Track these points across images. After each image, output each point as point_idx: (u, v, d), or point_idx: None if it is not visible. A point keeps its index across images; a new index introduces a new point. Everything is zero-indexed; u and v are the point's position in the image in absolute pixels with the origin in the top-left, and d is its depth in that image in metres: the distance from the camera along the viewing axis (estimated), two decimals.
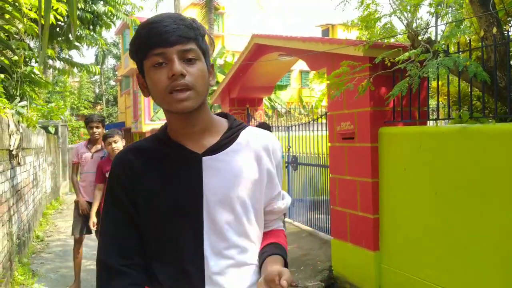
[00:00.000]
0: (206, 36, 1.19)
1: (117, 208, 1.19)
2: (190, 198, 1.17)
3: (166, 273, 1.17)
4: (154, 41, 1.08)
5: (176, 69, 1.06)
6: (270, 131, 4.60)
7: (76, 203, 4.56)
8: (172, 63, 1.07)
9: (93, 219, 4.23)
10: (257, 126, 5.00)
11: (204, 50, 1.15)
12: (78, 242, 4.51)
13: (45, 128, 10.34)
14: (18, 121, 5.32)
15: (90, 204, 4.47)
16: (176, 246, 1.17)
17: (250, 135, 1.25)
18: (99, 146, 4.61)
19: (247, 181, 1.20)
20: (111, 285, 1.14)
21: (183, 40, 1.08)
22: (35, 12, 4.63)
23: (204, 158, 1.17)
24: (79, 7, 7.84)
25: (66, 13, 5.78)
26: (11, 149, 4.81)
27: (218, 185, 1.17)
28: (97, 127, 4.53)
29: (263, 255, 1.23)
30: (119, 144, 4.12)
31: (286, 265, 1.24)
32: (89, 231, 4.49)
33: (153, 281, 1.18)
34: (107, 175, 4.14)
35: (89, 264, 5.30)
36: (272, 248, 1.26)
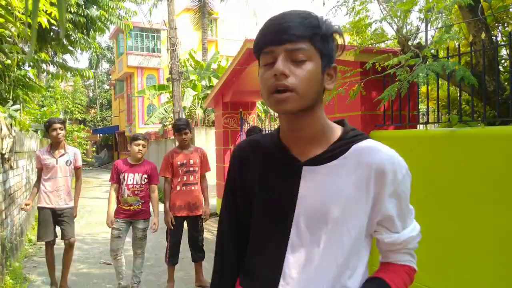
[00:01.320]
0: (336, 35, 1.10)
1: (229, 195, 1.28)
2: (282, 206, 1.11)
3: (247, 273, 1.19)
4: (266, 39, 1.04)
5: (278, 68, 1.00)
6: None
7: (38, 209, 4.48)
8: (276, 62, 1.02)
9: (111, 218, 4.25)
10: (248, 130, 4.99)
11: (323, 50, 1.05)
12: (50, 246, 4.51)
13: (38, 132, 10.29)
14: (11, 125, 5.31)
15: (53, 209, 4.42)
16: (261, 251, 1.15)
17: (363, 151, 1.09)
18: (62, 151, 4.48)
19: (345, 201, 1.07)
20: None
21: (293, 39, 1.01)
22: (29, 16, 4.63)
23: (305, 168, 1.10)
24: (72, 11, 7.85)
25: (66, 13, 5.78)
26: (3, 152, 4.80)
27: (313, 199, 1.08)
28: (60, 129, 4.41)
29: None
30: (144, 149, 4.30)
31: None
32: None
33: (244, 276, 1.22)
34: (121, 176, 4.23)
35: (82, 268, 5.29)
36: (370, 283, 1.11)
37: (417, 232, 1.18)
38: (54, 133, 4.37)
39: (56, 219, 4.46)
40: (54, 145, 4.47)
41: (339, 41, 1.12)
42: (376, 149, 1.10)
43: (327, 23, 1.06)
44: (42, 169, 4.46)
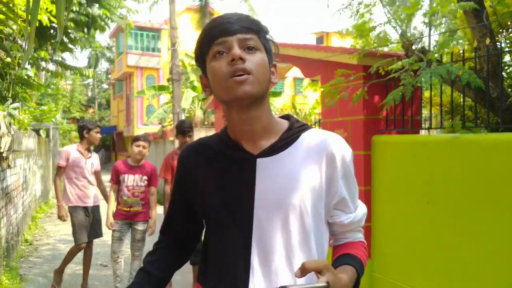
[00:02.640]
0: (270, 40, 1.16)
1: (175, 190, 1.31)
2: (240, 201, 1.12)
3: (212, 276, 1.18)
4: (216, 32, 1.08)
5: (235, 53, 1.04)
6: None
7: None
8: (232, 49, 1.06)
9: (110, 219, 4.24)
10: None
11: (266, 47, 1.13)
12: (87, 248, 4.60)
13: (37, 131, 10.25)
14: (10, 123, 5.27)
15: (91, 208, 4.54)
16: (225, 250, 1.15)
17: (312, 138, 1.16)
18: (89, 153, 4.67)
19: (303, 187, 1.10)
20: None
21: (244, 30, 1.07)
22: (29, 13, 4.60)
23: (259, 160, 1.12)
24: (74, 9, 7.82)
25: (67, 13, 5.75)
26: (1, 151, 4.76)
27: (271, 189, 1.10)
28: (99, 132, 4.62)
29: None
30: (145, 151, 4.29)
31: (358, 278, 1.11)
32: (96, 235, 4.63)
33: (205, 279, 1.22)
34: (120, 178, 4.21)
35: (79, 269, 5.24)
36: (343, 258, 1.14)
37: (366, 210, 1.26)
38: (97, 136, 4.56)
39: (90, 219, 4.58)
40: (87, 147, 4.60)
41: (272, 47, 1.18)
42: (324, 136, 1.16)
43: (265, 26, 1.14)
44: (64, 167, 4.50)
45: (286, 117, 1.23)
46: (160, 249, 1.32)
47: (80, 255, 4.66)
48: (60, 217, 4.55)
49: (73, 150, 4.52)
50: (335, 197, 1.14)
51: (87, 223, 4.54)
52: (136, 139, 4.32)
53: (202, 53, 1.13)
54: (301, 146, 1.14)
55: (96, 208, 4.66)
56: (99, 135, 4.59)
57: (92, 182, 4.62)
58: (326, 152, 1.13)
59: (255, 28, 1.10)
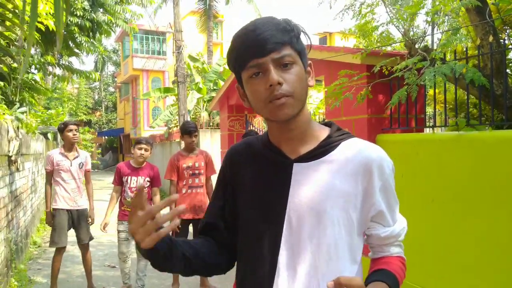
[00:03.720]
0: (302, 34, 1.14)
1: (220, 186, 1.30)
2: (274, 203, 1.14)
3: (240, 272, 1.21)
4: (249, 53, 1.06)
5: (272, 79, 1.03)
6: None
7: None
8: (268, 72, 1.04)
9: (107, 220, 4.29)
10: (244, 134, 4.95)
11: (300, 51, 1.10)
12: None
13: (44, 134, 10.35)
14: (18, 127, 5.33)
15: (71, 212, 4.46)
16: (254, 248, 1.16)
17: (351, 147, 1.15)
18: (75, 153, 4.55)
19: (336, 195, 1.10)
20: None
21: (277, 47, 1.04)
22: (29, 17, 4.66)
23: (295, 165, 1.14)
24: (78, 14, 7.90)
25: (65, 20, 5.81)
26: (10, 154, 4.82)
27: (304, 194, 1.11)
28: (76, 130, 4.48)
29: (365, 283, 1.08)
30: (147, 153, 4.31)
31: None
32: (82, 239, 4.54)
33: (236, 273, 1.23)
34: (123, 179, 4.26)
35: (77, 270, 5.27)
36: (377, 274, 1.12)
37: (405, 224, 1.23)
38: (70, 134, 4.44)
39: (71, 222, 4.51)
40: (68, 147, 4.52)
41: (306, 39, 1.17)
42: (364, 146, 1.15)
43: (294, 24, 1.11)
44: (52, 172, 4.47)
45: (329, 124, 1.24)
46: (203, 239, 1.26)
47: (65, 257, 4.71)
48: (47, 223, 4.56)
49: (56, 154, 4.48)
50: (372, 209, 1.13)
51: (69, 227, 4.49)
52: (138, 141, 4.36)
53: (236, 68, 1.12)
54: (339, 154, 1.13)
55: (82, 212, 4.57)
56: (72, 133, 4.44)
57: (79, 182, 4.55)
58: (364, 163, 1.12)
59: (287, 39, 1.06)
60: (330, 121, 1.25)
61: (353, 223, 1.12)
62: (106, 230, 4.31)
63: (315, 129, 1.18)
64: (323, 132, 1.18)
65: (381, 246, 1.19)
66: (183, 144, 4.62)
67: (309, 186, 1.11)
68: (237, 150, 1.29)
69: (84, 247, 4.59)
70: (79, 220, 4.53)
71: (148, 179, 4.32)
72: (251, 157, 1.23)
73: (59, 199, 4.44)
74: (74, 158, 4.51)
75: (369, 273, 1.16)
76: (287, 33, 1.06)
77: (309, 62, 1.15)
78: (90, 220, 4.62)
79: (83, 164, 4.60)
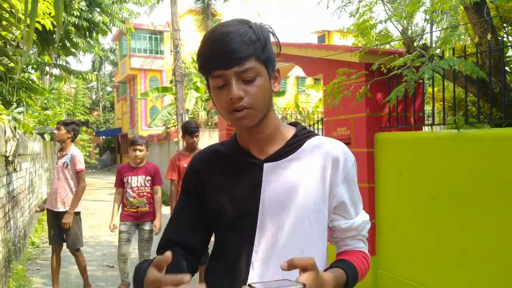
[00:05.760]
0: (271, 40, 1.15)
1: (185, 194, 1.32)
2: (247, 202, 1.18)
3: (217, 271, 1.23)
4: (213, 64, 1.08)
5: (233, 93, 1.07)
6: None
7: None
8: (230, 86, 1.07)
9: (114, 221, 4.29)
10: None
11: (267, 59, 1.12)
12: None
13: (41, 135, 10.32)
14: (15, 127, 5.31)
15: (53, 212, 4.37)
16: (230, 247, 1.20)
17: (316, 144, 1.21)
18: (64, 152, 4.42)
19: (306, 191, 1.15)
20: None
21: (240, 61, 1.06)
22: (28, 16, 4.64)
23: (266, 164, 1.18)
24: (75, 14, 7.87)
25: (64, 20, 5.79)
26: (7, 155, 4.80)
27: (276, 192, 1.16)
28: (58, 129, 4.40)
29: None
30: (143, 153, 4.29)
31: (348, 284, 1.11)
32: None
33: (210, 274, 1.25)
34: (124, 180, 4.25)
35: (74, 271, 5.27)
36: (337, 263, 1.16)
37: (367, 219, 1.26)
38: (57, 133, 4.43)
39: (58, 224, 4.34)
40: (62, 146, 4.52)
41: (274, 39, 1.18)
42: (328, 142, 1.21)
43: (261, 29, 1.12)
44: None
45: (294, 124, 1.29)
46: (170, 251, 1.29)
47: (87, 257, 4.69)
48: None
49: (56, 152, 4.59)
50: (334, 200, 1.18)
51: (56, 228, 4.36)
52: (132, 142, 4.34)
53: (203, 73, 1.15)
54: (305, 152, 1.19)
55: (62, 216, 4.29)
56: (57, 131, 4.40)
57: (64, 183, 4.34)
58: (329, 157, 1.17)
59: (252, 51, 1.08)
60: (296, 122, 1.30)
61: (324, 216, 1.18)
62: (115, 230, 4.31)
63: (282, 129, 1.23)
64: (289, 132, 1.23)
65: (344, 239, 1.23)
66: (181, 144, 4.61)
67: (279, 184, 1.16)
68: (202, 159, 1.32)
69: (72, 253, 4.46)
70: (63, 223, 4.27)
71: (149, 178, 4.32)
72: (220, 161, 1.26)
73: (48, 199, 4.47)
74: (61, 157, 4.40)
75: (332, 262, 1.19)
76: (252, 45, 1.08)
77: (277, 67, 1.18)
78: (62, 224, 4.25)
79: (67, 164, 4.34)
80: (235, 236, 1.19)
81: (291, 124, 1.29)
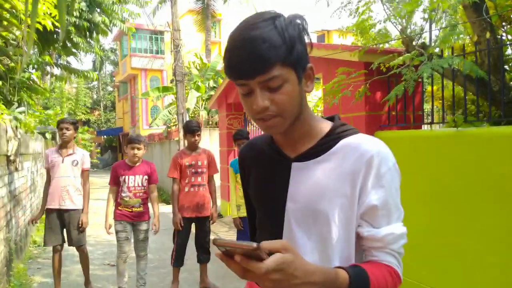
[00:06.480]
0: (300, 37, 1.04)
1: (242, 179, 1.39)
2: (274, 201, 1.16)
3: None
4: (235, 73, 1.03)
5: (257, 104, 1.02)
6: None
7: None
8: (255, 96, 1.02)
9: (110, 221, 4.26)
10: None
11: (294, 62, 1.02)
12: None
13: (43, 134, 10.35)
14: (16, 127, 5.33)
15: (58, 211, 4.36)
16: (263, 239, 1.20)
17: (351, 144, 1.10)
18: (70, 151, 4.44)
19: (333, 195, 1.07)
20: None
21: (263, 70, 0.99)
22: (29, 16, 4.65)
23: (294, 164, 1.14)
24: (76, 15, 7.90)
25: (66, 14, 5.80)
26: (8, 154, 4.82)
27: (302, 193, 1.11)
28: (67, 129, 4.40)
29: None
30: (141, 152, 4.28)
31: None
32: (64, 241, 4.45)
33: None
34: (121, 179, 4.23)
35: (76, 269, 5.29)
36: (347, 267, 1.02)
37: (400, 233, 1.08)
38: (60, 132, 4.40)
39: (62, 222, 4.38)
40: (63, 145, 4.48)
41: (305, 36, 1.07)
42: (365, 142, 1.10)
43: (287, 28, 1.01)
44: (49, 170, 4.45)
45: (331, 118, 1.21)
46: None
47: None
48: (32, 221, 4.57)
49: (51, 152, 4.47)
50: (363, 206, 1.07)
51: (60, 227, 4.38)
52: (129, 141, 4.30)
53: (229, 78, 1.09)
54: (337, 153, 1.10)
55: (74, 212, 4.39)
56: (63, 131, 4.38)
57: (73, 181, 4.40)
58: (363, 159, 1.07)
59: (275, 57, 0.98)
60: (334, 116, 1.21)
61: (352, 222, 1.08)
62: (111, 232, 4.27)
63: (317, 125, 1.16)
64: (324, 128, 1.15)
65: (370, 249, 1.09)
66: (182, 143, 4.62)
67: (306, 185, 1.11)
68: (245, 150, 1.36)
69: (77, 249, 4.51)
70: (69, 222, 4.38)
71: (146, 177, 4.31)
72: (256, 157, 1.28)
73: (49, 198, 4.39)
74: (67, 156, 4.41)
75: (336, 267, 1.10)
76: (277, 50, 0.98)
77: (309, 65, 1.09)
78: (80, 223, 4.38)
79: (77, 162, 4.43)
80: (264, 231, 1.22)
81: (329, 118, 1.21)
